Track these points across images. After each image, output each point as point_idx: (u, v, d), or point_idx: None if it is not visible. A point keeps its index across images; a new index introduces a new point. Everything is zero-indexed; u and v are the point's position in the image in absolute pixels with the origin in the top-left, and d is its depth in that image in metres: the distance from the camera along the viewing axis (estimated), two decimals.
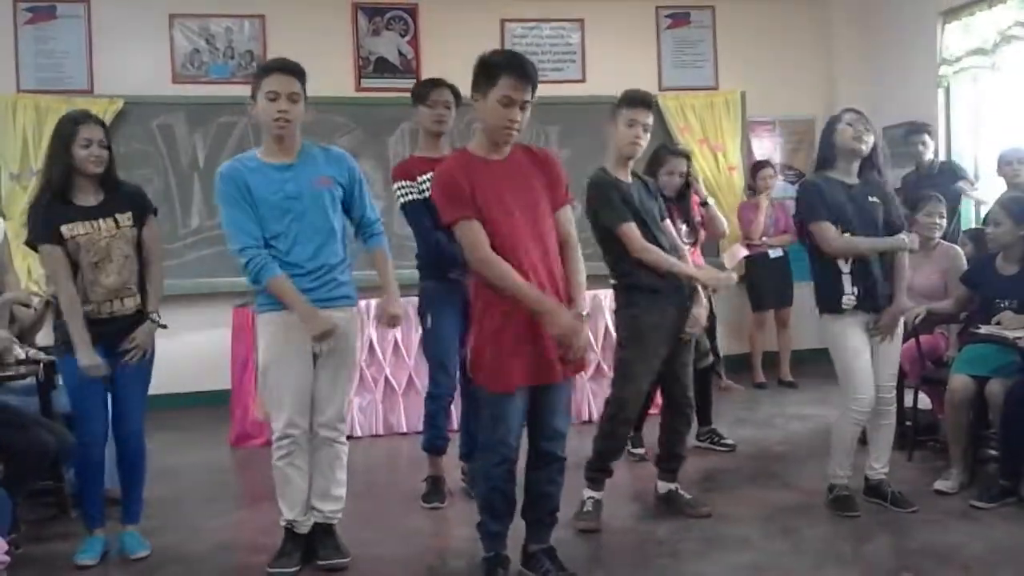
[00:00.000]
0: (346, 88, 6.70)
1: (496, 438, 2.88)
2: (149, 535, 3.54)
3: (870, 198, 3.60)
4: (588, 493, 3.65)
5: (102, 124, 3.35)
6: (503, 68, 2.80)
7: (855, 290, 3.53)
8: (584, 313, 2.95)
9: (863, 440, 3.78)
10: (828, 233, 3.53)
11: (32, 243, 3.34)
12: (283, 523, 3.27)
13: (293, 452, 3.20)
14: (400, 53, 6.83)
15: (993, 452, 4.06)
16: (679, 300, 3.58)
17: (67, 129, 3.26)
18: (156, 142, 6.28)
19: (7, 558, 2.89)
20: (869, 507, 3.68)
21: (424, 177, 3.76)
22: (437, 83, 4.01)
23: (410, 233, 4.05)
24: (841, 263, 3.55)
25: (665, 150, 4.68)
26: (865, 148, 3.58)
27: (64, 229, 3.26)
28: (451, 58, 6.68)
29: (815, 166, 3.78)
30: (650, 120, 3.59)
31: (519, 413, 2.91)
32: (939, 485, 3.83)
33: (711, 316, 4.58)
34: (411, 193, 3.83)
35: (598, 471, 3.67)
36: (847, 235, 3.53)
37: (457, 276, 3.64)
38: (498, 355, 2.84)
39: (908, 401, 4.50)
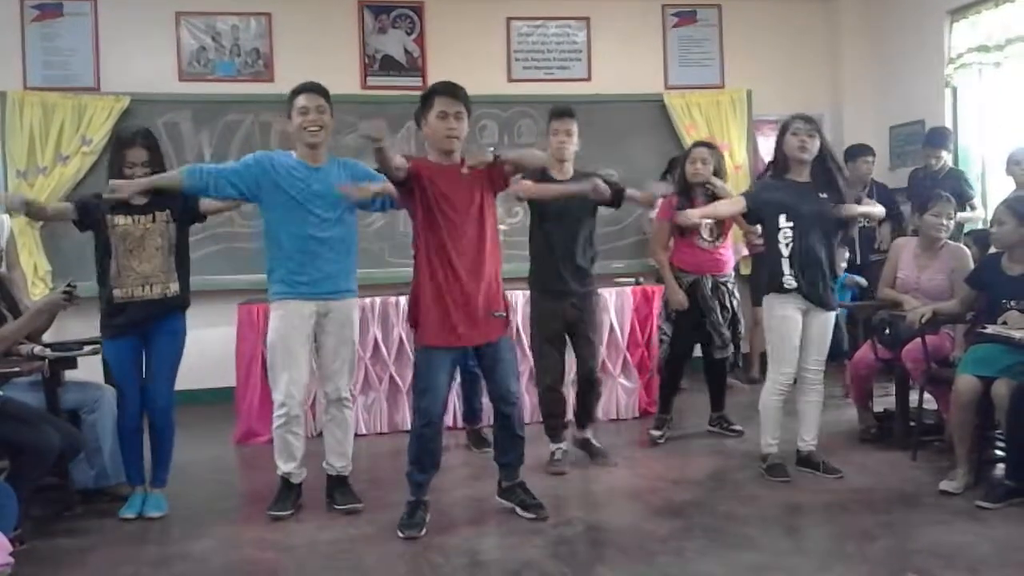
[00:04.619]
0: (352, 86, 6.70)
1: (424, 405, 3.53)
2: (153, 532, 3.58)
3: (820, 194, 4.03)
4: (552, 445, 4.42)
5: (147, 145, 3.78)
6: (436, 91, 3.53)
7: (793, 272, 4.00)
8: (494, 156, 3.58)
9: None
10: (732, 199, 4.27)
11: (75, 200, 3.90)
12: (280, 474, 3.85)
13: (290, 421, 3.78)
14: (406, 51, 6.84)
15: (999, 452, 4.06)
16: (566, 294, 4.29)
17: (117, 153, 3.79)
18: (162, 140, 6.17)
19: (11, 559, 2.91)
20: (873, 507, 3.70)
21: None
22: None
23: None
24: (783, 247, 4.01)
25: (692, 145, 5.21)
26: (808, 156, 4.03)
27: (109, 218, 3.74)
28: (457, 56, 6.76)
29: (772, 170, 4.25)
30: (572, 127, 4.36)
31: (444, 381, 3.56)
32: (944, 485, 3.82)
33: (734, 311, 4.75)
34: None
35: (550, 427, 4.43)
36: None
37: None
38: (427, 313, 3.51)
39: (914, 401, 4.50)
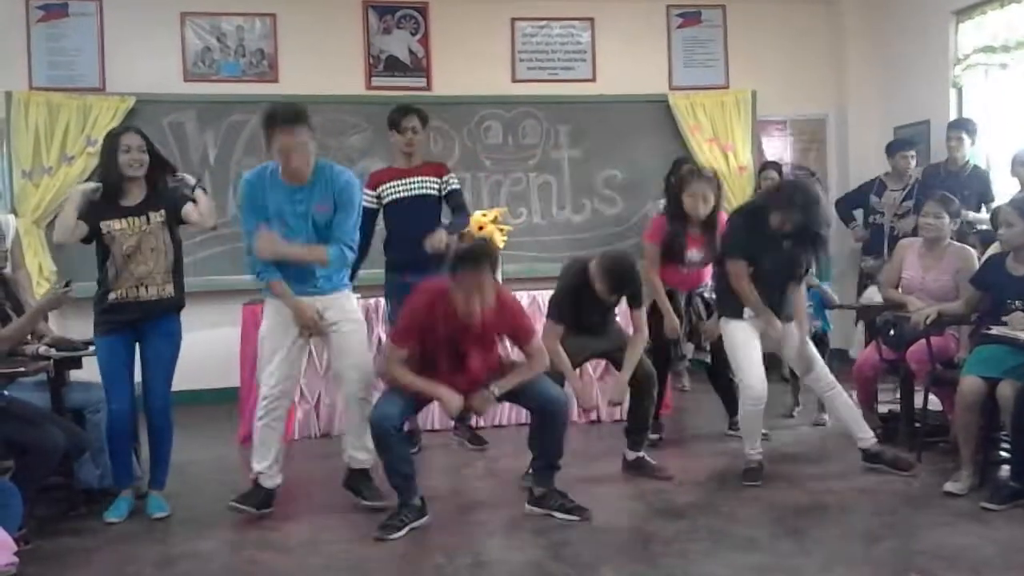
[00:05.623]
0: (356, 87, 6.72)
1: (379, 409, 3.57)
2: (157, 532, 3.58)
3: (784, 242, 4.08)
4: None
5: (142, 134, 3.81)
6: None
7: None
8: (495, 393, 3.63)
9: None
10: (739, 270, 4.10)
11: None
12: (252, 476, 3.81)
13: (271, 412, 3.76)
14: (411, 52, 6.84)
15: (1004, 454, 4.05)
16: None
17: (111, 141, 3.79)
18: (167, 140, 6.27)
19: (16, 559, 2.92)
20: (876, 508, 3.71)
21: (384, 186, 4.63)
22: (407, 111, 4.68)
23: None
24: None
25: (691, 173, 4.82)
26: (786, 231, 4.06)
27: (103, 225, 3.72)
28: (462, 57, 6.77)
29: (750, 210, 4.27)
30: None
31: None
32: (949, 487, 3.81)
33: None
34: (366, 201, 4.43)
35: None
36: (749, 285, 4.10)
37: (410, 279, 4.13)
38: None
39: (919, 402, 4.49)
